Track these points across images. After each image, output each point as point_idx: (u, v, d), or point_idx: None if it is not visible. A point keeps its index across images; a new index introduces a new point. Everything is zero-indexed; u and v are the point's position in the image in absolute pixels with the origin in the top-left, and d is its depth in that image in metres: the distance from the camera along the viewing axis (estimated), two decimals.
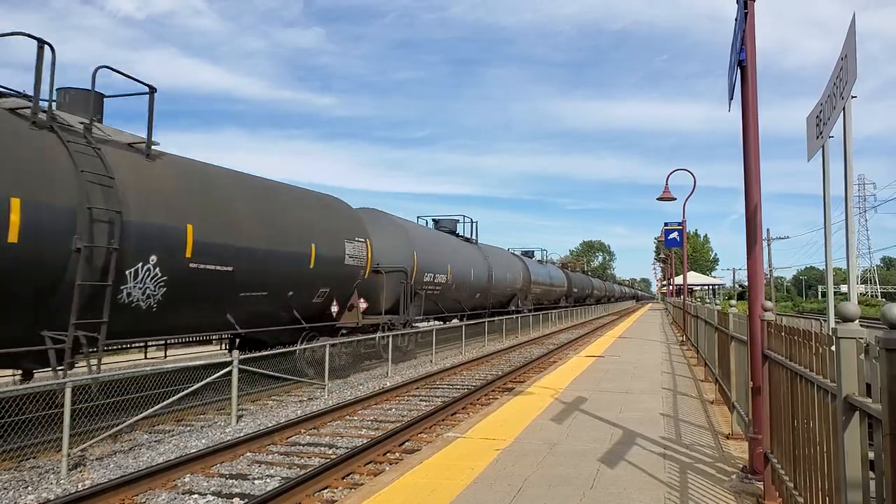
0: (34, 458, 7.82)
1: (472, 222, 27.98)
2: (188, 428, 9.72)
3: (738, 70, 5.36)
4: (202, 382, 9.73)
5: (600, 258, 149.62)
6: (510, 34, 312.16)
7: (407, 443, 8.68)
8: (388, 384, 13.85)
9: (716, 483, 5.28)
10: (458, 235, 26.86)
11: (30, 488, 6.72)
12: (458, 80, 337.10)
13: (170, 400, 9.21)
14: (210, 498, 6.39)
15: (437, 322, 22.51)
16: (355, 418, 10.50)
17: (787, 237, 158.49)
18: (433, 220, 26.66)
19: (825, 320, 5.29)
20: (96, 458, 7.86)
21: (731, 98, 5.71)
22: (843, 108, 4.12)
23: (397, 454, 8.10)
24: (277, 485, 6.59)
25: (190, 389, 9.56)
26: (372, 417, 10.56)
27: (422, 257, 20.07)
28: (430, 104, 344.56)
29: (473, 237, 28.17)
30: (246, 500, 6.12)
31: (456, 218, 27.25)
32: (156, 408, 8.99)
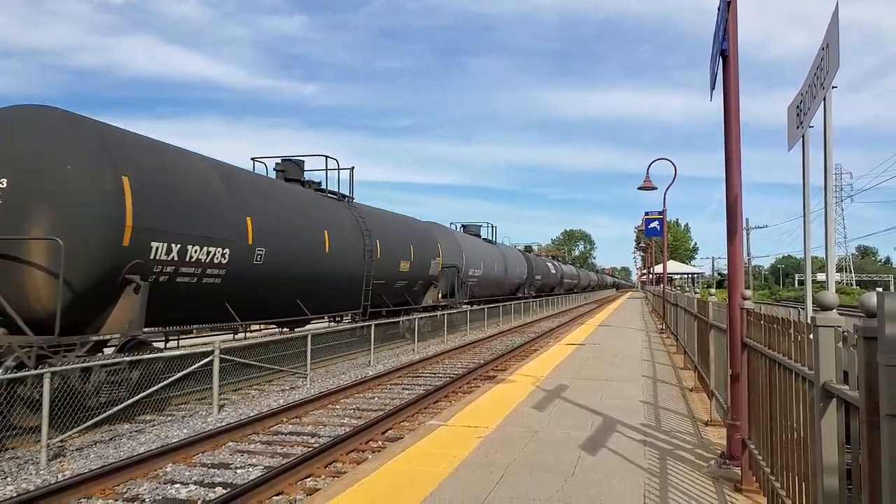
0: (12, 448, 7.71)
1: (491, 227, 36.50)
2: (169, 418, 9.64)
3: (721, 60, 5.40)
4: (183, 372, 9.66)
5: (581, 247, 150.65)
6: (494, 22, 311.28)
7: (389, 431, 8.70)
8: (370, 373, 13.85)
9: (695, 469, 5.36)
10: (482, 238, 34.35)
11: (8, 479, 6.63)
12: (442, 69, 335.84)
13: (151, 389, 9.12)
14: (192, 487, 6.35)
15: (469, 305, 27.71)
16: (338, 407, 10.49)
17: (766, 226, 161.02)
18: (462, 225, 33.92)
19: (803, 308, 5.38)
20: (76, 449, 7.78)
21: (712, 88, 5.75)
22: (824, 98, 4.17)
23: (380, 442, 8.12)
24: (260, 474, 6.58)
25: (171, 379, 9.48)
26: (355, 406, 10.56)
27: (467, 257, 27.28)
28: (415, 93, 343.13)
29: (494, 238, 36.26)
30: (228, 489, 6.09)
31: (480, 224, 35.71)
32: (137, 397, 8.89)
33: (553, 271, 54.55)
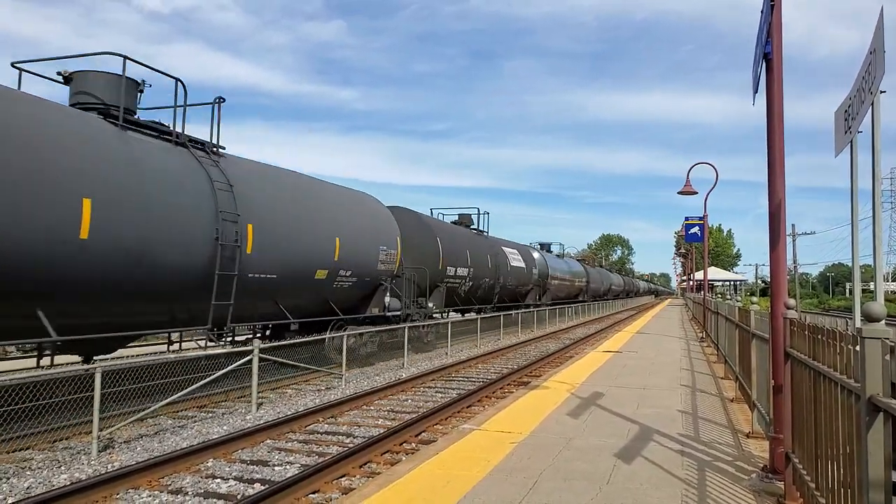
0: (66, 439, 8.04)
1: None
2: (210, 414, 9.89)
3: (764, 63, 5.28)
4: (224, 370, 9.89)
5: (619, 252, 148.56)
6: (529, 25, 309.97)
7: (423, 433, 8.75)
8: (405, 375, 13.94)
9: (735, 481, 5.25)
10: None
11: (62, 468, 6.91)
12: (476, 72, 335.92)
13: (193, 387, 9.37)
14: (232, 483, 6.51)
15: (455, 314, 23.05)
16: (372, 408, 10.60)
17: (814, 232, 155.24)
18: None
19: (850, 319, 5.22)
20: (124, 441, 8.05)
21: (755, 91, 5.63)
22: (872, 103, 4.06)
23: (413, 444, 8.17)
24: (297, 471, 6.70)
25: (212, 377, 9.72)
26: (388, 408, 10.65)
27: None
28: (449, 97, 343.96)
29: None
30: (266, 485, 6.22)
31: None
32: (179, 394, 9.15)
33: (603, 278, 50.16)
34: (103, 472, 6.64)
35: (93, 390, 7.47)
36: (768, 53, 5.21)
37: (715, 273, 66.31)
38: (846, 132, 4.82)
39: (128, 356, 10.79)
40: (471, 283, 23.74)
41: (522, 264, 31.08)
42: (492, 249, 26.82)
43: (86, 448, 7.52)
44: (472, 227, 27.12)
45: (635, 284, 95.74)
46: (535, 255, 34.84)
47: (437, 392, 12.27)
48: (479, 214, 27.83)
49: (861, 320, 3.03)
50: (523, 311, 28.58)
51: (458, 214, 27.15)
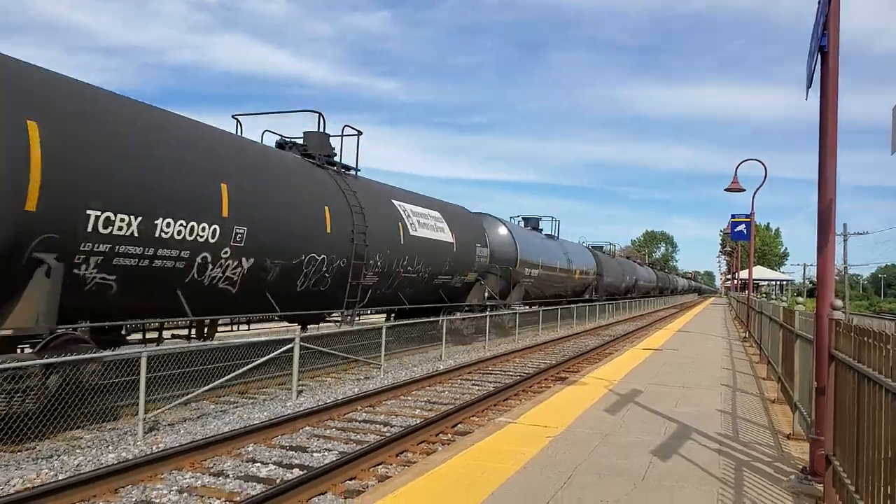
0: (114, 420, 8.39)
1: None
2: (251, 401, 10.17)
3: (819, 56, 5.14)
4: (265, 357, 10.15)
5: (662, 249, 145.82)
6: (576, 15, 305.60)
7: (459, 425, 8.82)
8: (442, 367, 14.05)
9: (773, 482, 5.16)
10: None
11: (110, 447, 7.22)
12: (521, 64, 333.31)
13: (235, 373, 9.65)
14: (272, 467, 6.70)
15: (524, 307, 26.00)
16: (409, 398, 10.72)
17: (866, 233, 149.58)
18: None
19: None
20: (168, 424, 8.36)
21: (809, 86, 5.48)
22: None
23: (450, 435, 8.26)
24: (335, 458, 6.85)
25: (253, 364, 9.99)
26: (426, 398, 10.77)
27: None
28: (493, 89, 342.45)
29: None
30: (305, 471, 6.39)
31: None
32: (221, 380, 9.44)
33: (650, 276, 53.27)
34: (148, 452, 6.92)
35: (139, 374, 7.75)
36: (824, 46, 5.06)
37: (761, 272, 64.56)
38: None
39: (173, 342, 11.17)
40: (544, 280, 27.73)
41: (584, 264, 35.43)
42: (562, 252, 30.97)
43: (132, 429, 7.83)
44: (540, 230, 30.96)
45: (672, 281, 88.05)
46: (590, 255, 38.56)
47: (473, 384, 12.33)
48: (552, 221, 32.70)
49: None
50: (580, 304, 31.08)
51: (523, 218, 30.79)
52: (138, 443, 7.43)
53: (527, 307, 25.06)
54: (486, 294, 20.86)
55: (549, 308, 26.01)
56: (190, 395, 8.89)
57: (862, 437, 3.79)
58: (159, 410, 8.37)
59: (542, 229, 31.31)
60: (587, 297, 36.19)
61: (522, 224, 30.12)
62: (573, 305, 29.80)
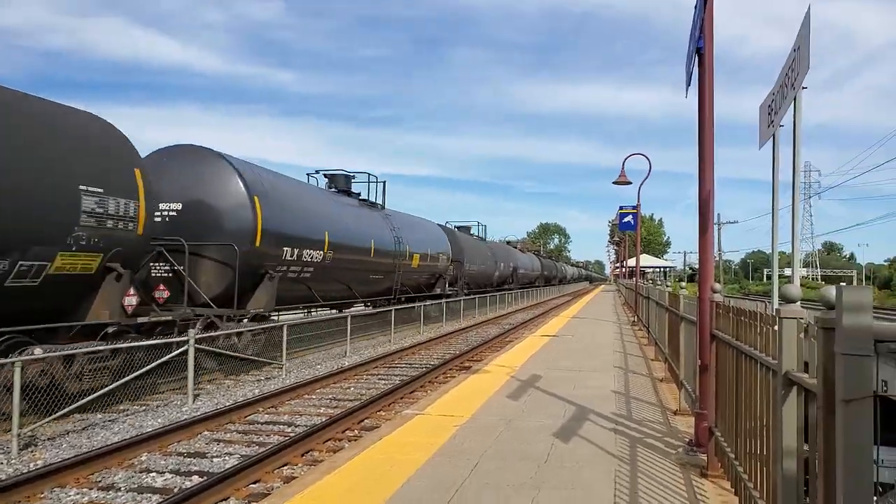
0: None
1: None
2: (143, 407, 9.57)
3: (696, 57, 5.51)
4: (157, 362, 9.58)
5: (556, 240, 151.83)
6: (475, 14, 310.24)
7: (366, 420, 8.76)
8: (347, 364, 13.88)
9: (663, 456, 5.54)
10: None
11: None
12: (422, 59, 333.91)
13: (124, 379, 9.04)
14: (168, 476, 6.35)
15: (467, 295, 29.13)
16: (314, 397, 10.52)
17: (737, 221, 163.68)
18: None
19: (769, 301, 5.57)
20: (48, 438, 7.70)
21: (688, 85, 5.88)
22: (794, 98, 4.32)
23: (356, 431, 8.18)
24: (236, 462, 6.60)
25: (145, 369, 9.40)
26: (331, 396, 10.60)
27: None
28: (394, 84, 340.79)
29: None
30: (205, 477, 6.10)
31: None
32: (110, 387, 8.81)
33: (534, 264, 55.97)
34: (25, 470, 6.34)
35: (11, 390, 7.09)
36: (700, 48, 5.44)
37: (647, 260, 68.75)
38: (769, 126, 5.12)
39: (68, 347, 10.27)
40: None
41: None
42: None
43: (5, 446, 7.14)
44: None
45: (560, 269, 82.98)
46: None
47: (379, 379, 12.28)
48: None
49: (779, 302, 3.26)
50: (427, 303, 23.53)
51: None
52: (12, 461, 6.79)
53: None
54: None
55: (470, 298, 26.52)
56: (72, 406, 8.22)
57: (741, 409, 4.14)
58: (37, 424, 7.69)
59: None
60: (438, 290, 27.33)
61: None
62: (391, 308, 19.43)
